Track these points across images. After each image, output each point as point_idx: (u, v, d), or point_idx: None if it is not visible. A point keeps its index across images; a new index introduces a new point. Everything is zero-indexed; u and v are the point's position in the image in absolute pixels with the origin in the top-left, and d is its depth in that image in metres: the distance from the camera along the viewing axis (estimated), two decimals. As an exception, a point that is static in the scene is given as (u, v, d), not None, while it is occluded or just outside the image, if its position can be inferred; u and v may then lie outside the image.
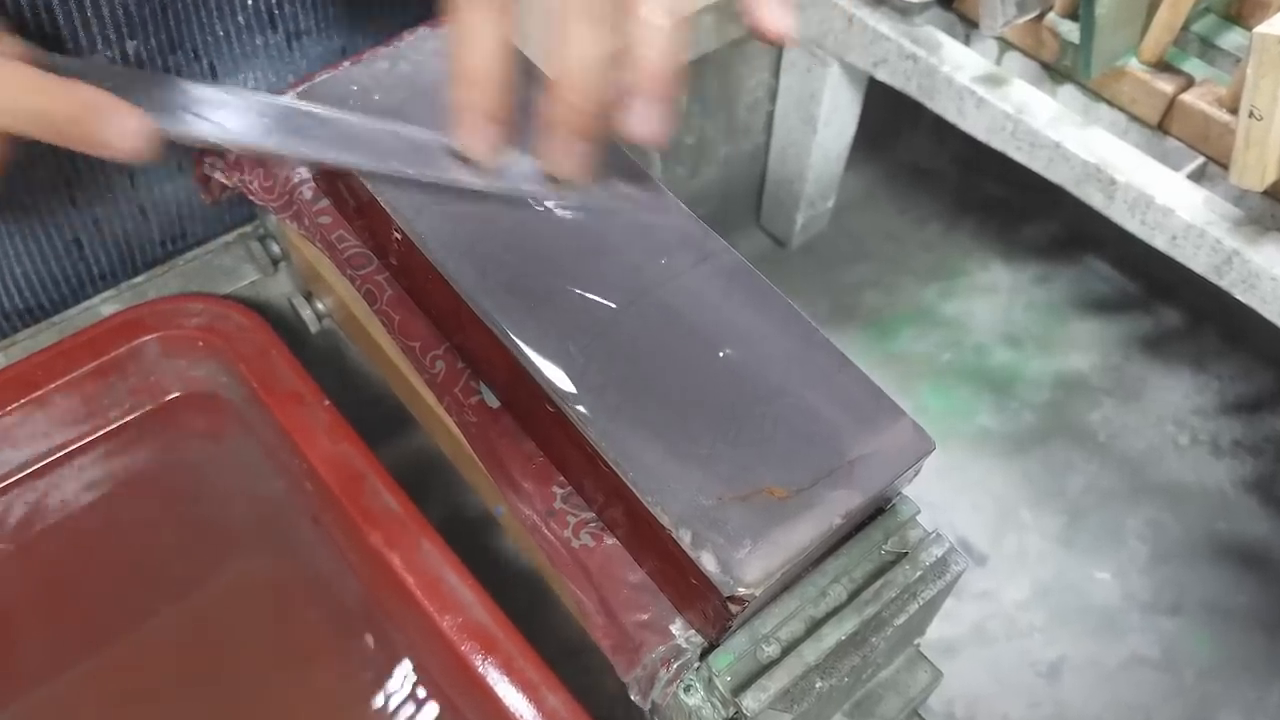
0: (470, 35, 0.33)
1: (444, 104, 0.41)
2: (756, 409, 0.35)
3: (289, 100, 0.38)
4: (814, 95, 1.10)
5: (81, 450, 0.45)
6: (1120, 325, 1.18)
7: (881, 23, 0.98)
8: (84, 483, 0.45)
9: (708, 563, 0.32)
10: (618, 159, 0.40)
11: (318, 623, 0.43)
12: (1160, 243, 0.87)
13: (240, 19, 0.48)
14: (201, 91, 0.37)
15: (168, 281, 0.51)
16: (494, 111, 0.35)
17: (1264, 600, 0.99)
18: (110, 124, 0.34)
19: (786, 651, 0.35)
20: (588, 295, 0.37)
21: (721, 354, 0.36)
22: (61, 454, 0.45)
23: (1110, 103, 0.94)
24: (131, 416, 0.46)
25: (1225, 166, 0.84)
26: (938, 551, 0.37)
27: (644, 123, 0.34)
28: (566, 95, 0.33)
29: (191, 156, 0.50)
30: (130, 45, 0.45)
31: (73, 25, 0.43)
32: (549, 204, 0.38)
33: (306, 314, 0.51)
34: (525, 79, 0.37)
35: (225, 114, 0.37)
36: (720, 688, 0.34)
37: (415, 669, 0.41)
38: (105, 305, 0.50)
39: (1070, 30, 0.94)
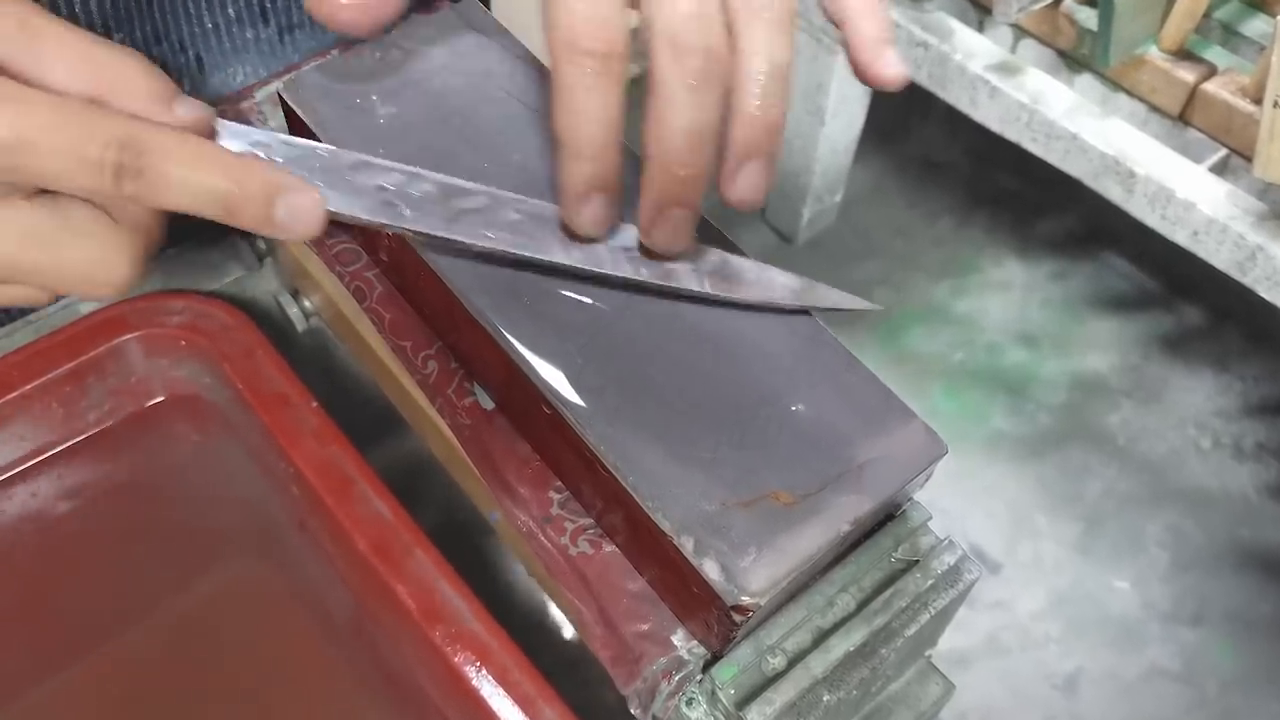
0: (575, 99, 0.32)
1: (437, 92, 0.41)
2: (761, 411, 0.35)
3: (433, 174, 0.37)
4: (821, 85, 1.10)
5: (59, 454, 0.45)
6: (1139, 324, 1.18)
7: (891, 9, 0.98)
8: (61, 488, 0.45)
9: (711, 571, 0.32)
10: None
11: (304, 633, 0.43)
12: (1181, 238, 0.87)
13: (231, 11, 0.48)
14: (333, 156, 0.36)
15: (149, 278, 0.51)
16: (605, 183, 0.33)
17: (1289, 610, 0.99)
18: (290, 205, 0.33)
19: (793, 663, 0.35)
20: (586, 291, 0.37)
21: (725, 354, 0.36)
22: (38, 459, 0.45)
23: (1129, 92, 0.94)
24: (111, 419, 0.46)
25: (1249, 159, 0.84)
26: (950, 559, 0.37)
27: (749, 185, 0.33)
28: (672, 168, 0.32)
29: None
30: (116, 39, 0.45)
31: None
32: (649, 279, 0.37)
33: (293, 312, 0.51)
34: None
35: (385, 189, 0.35)
36: (724, 701, 0.34)
37: (406, 681, 0.41)
38: (83, 303, 0.50)
39: (1088, 17, 0.94)
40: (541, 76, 0.42)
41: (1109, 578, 1.00)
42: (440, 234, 0.36)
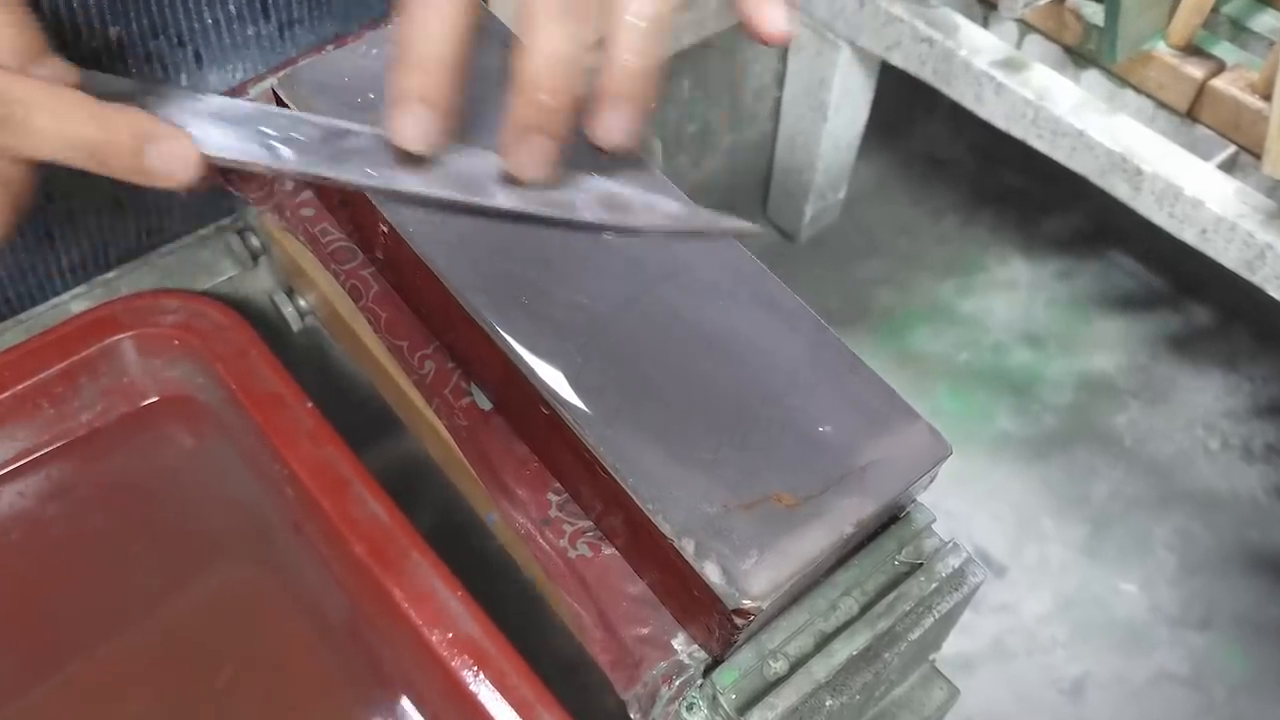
0: (417, 19, 0.33)
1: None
2: (763, 412, 0.35)
3: (319, 118, 0.38)
4: (824, 81, 1.10)
5: (50, 455, 0.45)
6: (1147, 323, 1.18)
7: (895, 4, 0.98)
8: (52, 489, 0.45)
9: (712, 574, 0.32)
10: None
11: (299, 637, 0.43)
12: (1189, 236, 0.87)
13: (231, 7, 0.48)
14: (221, 105, 0.36)
15: (142, 277, 0.51)
16: (432, 97, 0.34)
17: (1298, 613, 0.99)
18: (160, 152, 0.33)
19: (795, 668, 0.35)
20: (585, 291, 0.37)
21: (726, 354, 0.36)
22: (29, 460, 0.45)
23: (1136, 89, 0.94)
24: (103, 420, 0.46)
25: (1258, 156, 0.84)
26: (954, 562, 0.37)
27: (614, 127, 0.34)
28: (533, 92, 0.33)
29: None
30: (113, 31, 0.45)
31: (57, 14, 0.43)
32: (502, 204, 0.37)
33: (288, 311, 0.51)
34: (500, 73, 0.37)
35: (266, 134, 0.36)
36: (725, 706, 0.34)
37: (403, 686, 0.41)
38: (75, 302, 0.50)
39: (1094, 12, 0.94)
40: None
41: (1116, 581, 1.00)
42: (322, 173, 0.36)
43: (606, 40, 0.33)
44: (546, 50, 0.32)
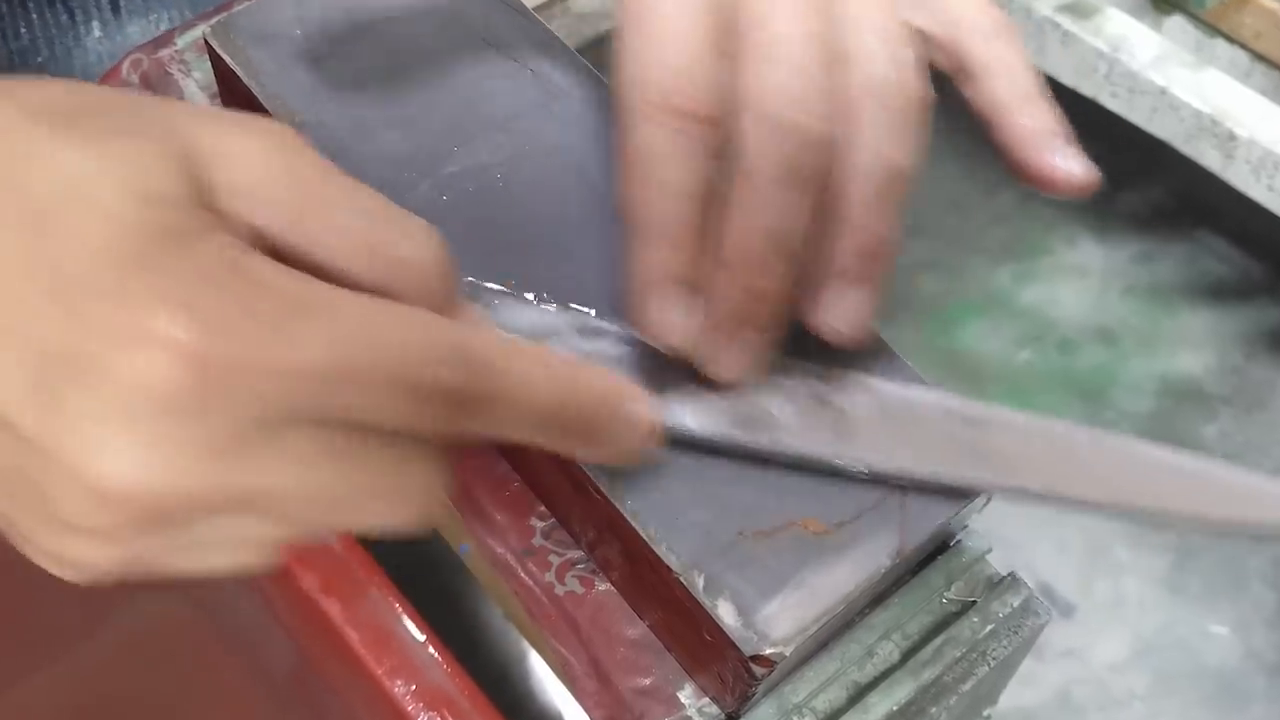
0: (656, 167, 0.30)
1: (397, 39, 0.41)
2: (786, 421, 0.35)
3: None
4: (859, 29, 1.10)
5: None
6: (1241, 317, 1.18)
7: (943, -62, 0.98)
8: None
9: (725, 614, 0.32)
10: None
11: (237, 687, 0.43)
12: (1292, 213, 0.87)
13: None
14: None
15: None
16: (688, 275, 0.31)
17: None
18: (625, 421, 0.28)
19: (824, 725, 0.35)
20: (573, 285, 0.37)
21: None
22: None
23: (1229, 38, 0.94)
24: None
25: (1373, 118, 0.84)
26: (1013, 600, 0.37)
27: (845, 312, 0.32)
28: (744, 275, 0.30)
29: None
30: None
31: None
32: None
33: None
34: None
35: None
36: (741, 771, 0.34)
37: (359, 746, 0.41)
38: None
39: (1179, -53, 0.94)
40: (522, 21, 0.42)
41: (1204, 621, 1.00)
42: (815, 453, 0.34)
43: (836, 202, 0.31)
44: (769, 221, 0.30)
